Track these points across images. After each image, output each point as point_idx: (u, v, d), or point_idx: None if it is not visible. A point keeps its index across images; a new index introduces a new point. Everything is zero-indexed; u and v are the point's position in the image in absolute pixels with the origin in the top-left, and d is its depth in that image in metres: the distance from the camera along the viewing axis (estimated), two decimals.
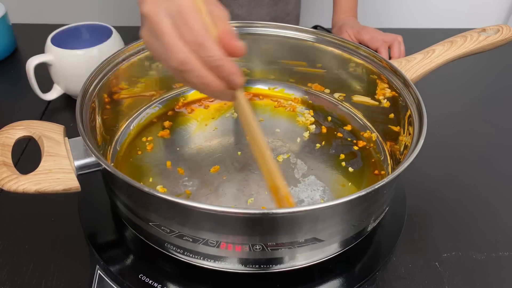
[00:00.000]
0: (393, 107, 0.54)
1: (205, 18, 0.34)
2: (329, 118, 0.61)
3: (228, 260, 0.40)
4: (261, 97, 0.64)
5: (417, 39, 0.77)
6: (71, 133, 0.44)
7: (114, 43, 0.66)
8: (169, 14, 0.34)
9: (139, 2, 0.36)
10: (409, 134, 0.48)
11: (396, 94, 0.52)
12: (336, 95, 0.62)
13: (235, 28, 0.61)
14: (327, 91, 0.63)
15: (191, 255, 0.41)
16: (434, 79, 0.64)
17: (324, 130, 0.59)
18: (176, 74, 0.35)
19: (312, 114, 0.61)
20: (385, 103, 0.55)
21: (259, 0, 0.91)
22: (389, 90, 0.54)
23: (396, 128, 0.53)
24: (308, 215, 0.37)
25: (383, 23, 1.17)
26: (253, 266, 0.40)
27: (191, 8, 0.34)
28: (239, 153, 0.54)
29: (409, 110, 0.49)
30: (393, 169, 0.52)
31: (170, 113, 0.61)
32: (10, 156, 0.40)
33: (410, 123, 0.48)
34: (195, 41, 0.33)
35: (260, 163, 0.39)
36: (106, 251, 0.44)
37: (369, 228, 0.44)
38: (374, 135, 0.57)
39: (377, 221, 0.45)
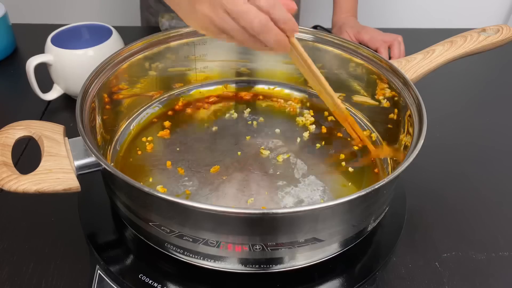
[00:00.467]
0: (393, 107, 0.54)
1: None
2: (329, 118, 0.61)
3: (228, 260, 0.40)
4: (261, 97, 0.64)
5: (417, 39, 0.77)
6: (71, 133, 0.44)
7: (114, 43, 0.66)
8: None
9: None
10: (409, 134, 0.48)
11: (396, 94, 0.52)
12: (336, 95, 0.62)
13: None
14: None
15: (191, 255, 0.41)
16: (434, 79, 0.64)
17: (324, 130, 0.59)
18: (249, 39, 0.40)
19: (312, 114, 0.61)
20: (385, 103, 0.55)
21: None
22: (389, 90, 0.54)
23: (396, 128, 0.53)
24: (308, 215, 0.37)
25: (383, 23, 1.17)
26: (253, 266, 0.40)
27: None
28: (239, 153, 0.54)
29: (409, 110, 0.49)
30: (393, 169, 0.52)
31: (170, 113, 0.61)
32: (10, 156, 0.41)
33: (410, 123, 0.48)
34: (269, 4, 0.38)
35: (319, 91, 0.50)
36: (106, 251, 0.44)
37: (369, 228, 0.44)
38: (374, 135, 0.57)
39: (377, 221, 0.45)
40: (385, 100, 0.55)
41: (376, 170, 0.53)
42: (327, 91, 0.50)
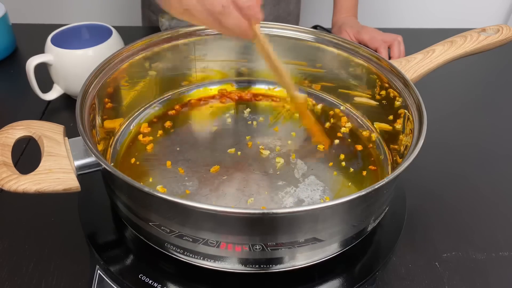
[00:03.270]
0: (393, 107, 0.54)
1: None
2: (329, 118, 0.61)
3: (228, 260, 0.40)
4: (261, 97, 0.64)
5: (417, 39, 0.77)
6: (71, 133, 0.44)
7: (114, 43, 0.66)
8: None
9: None
10: (409, 134, 0.48)
11: (396, 94, 0.52)
12: (336, 95, 0.62)
13: None
14: (327, 91, 0.63)
15: (191, 255, 0.41)
16: (434, 79, 0.64)
17: (324, 130, 0.59)
18: (211, 21, 0.42)
19: (312, 114, 0.61)
20: (385, 104, 0.55)
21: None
22: (389, 90, 0.54)
23: (396, 128, 0.53)
24: (308, 215, 0.37)
25: (383, 23, 1.17)
26: (253, 266, 0.40)
27: None
28: (239, 153, 0.54)
29: (409, 110, 0.49)
30: (393, 169, 0.52)
31: (170, 113, 0.61)
32: (10, 156, 0.41)
33: (410, 123, 0.48)
34: None
35: (278, 79, 0.50)
36: (106, 251, 0.44)
37: (369, 228, 0.44)
38: (374, 135, 0.57)
39: (377, 221, 0.45)
40: (385, 100, 0.55)
41: (375, 170, 0.53)
42: (286, 83, 0.51)
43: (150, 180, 0.50)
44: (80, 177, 0.41)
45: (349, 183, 0.51)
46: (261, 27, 0.60)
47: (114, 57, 0.53)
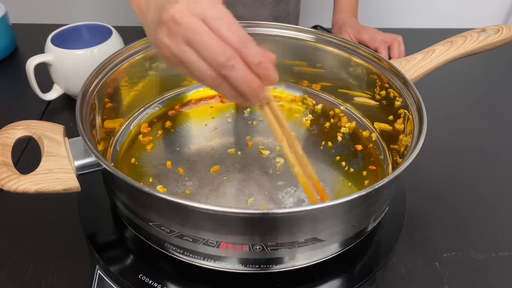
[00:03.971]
0: (393, 107, 0.54)
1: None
2: (329, 118, 0.61)
3: (228, 260, 0.40)
4: None
5: (417, 39, 0.77)
6: (71, 133, 0.44)
7: (114, 43, 0.66)
8: (201, 19, 0.34)
9: (160, 7, 0.35)
10: (409, 134, 0.48)
11: (396, 94, 0.52)
12: (336, 95, 0.62)
13: None
14: (327, 91, 0.63)
15: (191, 255, 0.41)
16: (434, 79, 0.64)
17: (324, 130, 0.59)
18: (210, 76, 0.35)
19: (312, 114, 0.61)
20: (385, 103, 0.55)
21: (263, 0, 0.91)
22: (389, 90, 0.54)
23: (396, 128, 0.53)
24: (308, 215, 0.37)
25: (383, 23, 1.17)
26: (253, 266, 0.40)
27: (228, 13, 0.34)
28: (239, 153, 0.54)
29: (409, 110, 0.49)
30: (393, 169, 0.52)
31: (170, 113, 0.61)
32: (10, 156, 0.41)
33: (410, 123, 0.48)
34: (240, 40, 0.33)
35: (290, 160, 0.43)
36: (106, 251, 0.44)
37: (369, 228, 0.44)
38: (374, 135, 0.57)
39: (377, 221, 0.45)
40: (385, 100, 0.55)
41: (375, 170, 0.53)
42: (298, 154, 0.42)
43: (150, 180, 0.50)
44: (80, 177, 0.41)
45: (349, 183, 0.51)
46: (261, 27, 0.60)
47: (114, 57, 0.53)
